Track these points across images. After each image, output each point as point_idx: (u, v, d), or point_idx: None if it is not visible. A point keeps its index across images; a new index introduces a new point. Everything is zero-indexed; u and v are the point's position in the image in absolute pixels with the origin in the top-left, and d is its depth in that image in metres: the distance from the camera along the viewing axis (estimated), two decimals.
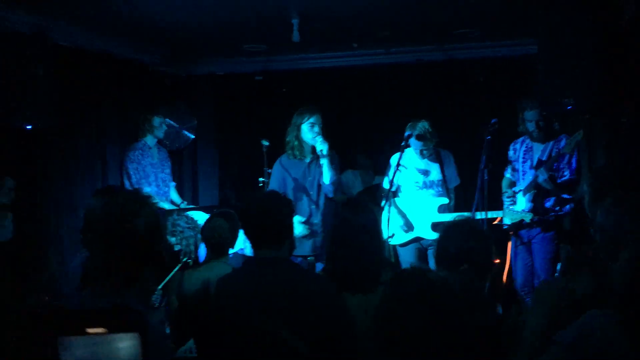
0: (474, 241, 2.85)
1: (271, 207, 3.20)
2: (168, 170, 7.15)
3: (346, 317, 3.02)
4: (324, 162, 5.43)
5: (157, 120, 6.96)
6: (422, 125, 5.72)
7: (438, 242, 2.92)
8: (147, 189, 6.65)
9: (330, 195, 5.51)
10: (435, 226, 5.73)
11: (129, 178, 6.86)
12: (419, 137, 5.69)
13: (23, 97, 5.30)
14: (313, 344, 2.88)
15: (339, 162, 5.69)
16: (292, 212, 3.34)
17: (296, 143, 5.57)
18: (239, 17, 5.80)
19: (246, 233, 3.29)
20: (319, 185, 5.54)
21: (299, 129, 5.52)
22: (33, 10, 5.51)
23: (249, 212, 3.24)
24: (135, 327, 1.76)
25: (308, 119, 5.48)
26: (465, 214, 5.67)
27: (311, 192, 5.56)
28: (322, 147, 5.40)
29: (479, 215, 5.39)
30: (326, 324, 2.93)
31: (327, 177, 5.44)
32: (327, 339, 2.89)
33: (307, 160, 5.58)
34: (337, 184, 5.52)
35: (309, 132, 5.49)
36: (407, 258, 5.85)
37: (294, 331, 2.88)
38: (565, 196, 5.61)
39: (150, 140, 6.98)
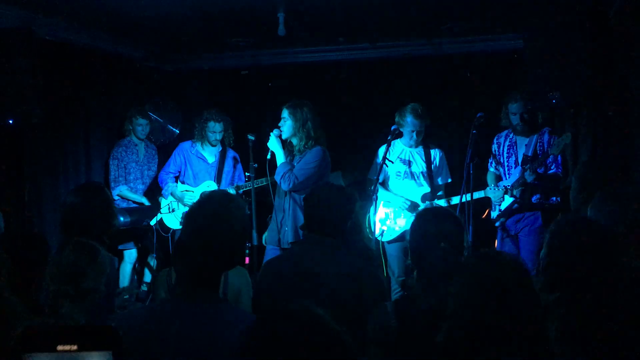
0: (450, 223, 2.93)
1: (334, 197, 3.31)
2: (155, 167, 7.14)
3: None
4: (271, 151, 5.50)
5: (141, 121, 6.94)
6: (412, 107, 5.76)
7: (412, 225, 2.98)
8: (122, 187, 6.71)
9: (278, 183, 5.46)
10: None
11: (109, 174, 6.91)
12: (415, 115, 5.74)
13: (7, 91, 5.26)
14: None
15: (319, 159, 5.65)
16: (351, 210, 3.38)
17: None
18: (225, 11, 5.77)
19: (305, 218, 3.39)
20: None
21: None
22: (18, 4, 5.47)
23: (310, 199, 3.36)
24: (109, 345, 1.74)
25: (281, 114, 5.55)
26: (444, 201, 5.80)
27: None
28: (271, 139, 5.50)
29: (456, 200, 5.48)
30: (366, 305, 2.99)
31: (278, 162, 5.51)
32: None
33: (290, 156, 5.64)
34: (285, 177, 5.42)
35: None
36: (394, 254, 5.88)
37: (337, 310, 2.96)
38: (552, 191, 5.65)
39: (135, 138, 6.98)
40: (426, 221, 2.97)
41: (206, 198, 2.49)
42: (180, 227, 6.45)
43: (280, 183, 5.39)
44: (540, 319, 2.07)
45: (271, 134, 5.51)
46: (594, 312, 2.09)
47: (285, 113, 5.53)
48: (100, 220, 3.66)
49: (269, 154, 5.57)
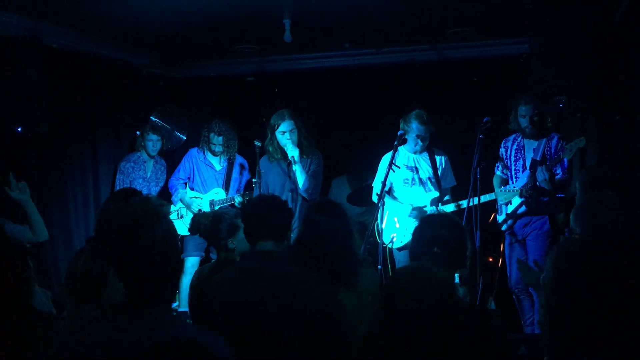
0: (447, 230, 3.00)
1: (277, 204, 3.38)
2: (162, 184, 7.17)
3: (338, 313, 3.09)
4: (296, 168, 5.60)
5: (152, 136, 6.96)
6: (417, 113, 5.77)
7: (415, 229, 3.04)
8: None
9: (306, 195, 5.61)
10: None
11: (113, 188, 6.94)
12: (420, 121, 5.74)
13: (15, 99, 5.28)
14: (305, 336, 2.96)
15: (321, 161, 5.77)
16: (292, 214, 3.48)
17: (270, 149, 5.81)
18: (231, 18, 5.79)
19: (249, 227, 3.37)
20: (297, 187, 5.65)
21: (273, 134, 5.68)
22: (25, 13, 5.50)
23: (255, 206, 3.38)
24: None
25: (278, 126, 5.64)
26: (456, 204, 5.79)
27: (289, 193, 5.65)
28: (292, 153, 5.60)
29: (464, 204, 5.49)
30: (320, 317, 3.00)
31: (300, 181, 5.61)
32: (318, 332, 2.97)
33: (287, 162, 5.70)
34: (311, 187, 5.60)
35: (281, 140, 5.65)
36: (403, 260, 5.88)
37: (289, 322, 2.97)
38: (559, 195, 5.64)
39: (145, 154, 7.00)
40: (424, 227, 3.07)
41: (120, 213, 2.27)
42: (187, 233, 6.49)
43: (306, 194, 5.57)
44: (458, 332, 2.13)
45: (294, 149, 5.60)
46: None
47: (292, 125, 5.66)
48: None
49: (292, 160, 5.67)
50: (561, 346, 2.12)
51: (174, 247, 2.28)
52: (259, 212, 3.33)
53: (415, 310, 2.19)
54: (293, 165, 5.62)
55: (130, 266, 2.18)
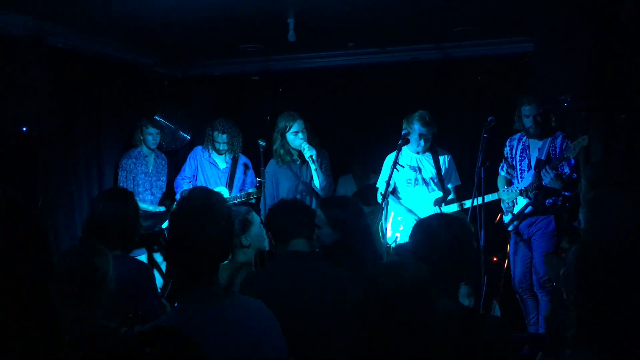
0: (420, 234, 2.80)
1: (301, 203, 3.53)
2: (164, 178, 7.14)
3: None
4: (315, 167, 5.59)
5: (151, 130, 6.94)
6: (420, 115, 5.76)
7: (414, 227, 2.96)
8: None
9: (324, 195, 5.63)
10: None
11: (117, 184, 6.90)
12: (423, 123, 5.73)
13: (19, 99, 5.28)
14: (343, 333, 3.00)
15: (329, 160, 5.79)
16: (315, 213, 3.57)
17: (282, 151, 5.79)
18: (235, 17, 5.79)
19: (280, 228, 3.43)
20: (311, 186, 5.64)
21: (283, 137, 5.66)
22: (29, 13, 5.50)
23: (283, 207, 3.46)
24: None
25: (290, 128, 5.63)
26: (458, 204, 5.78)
27: (303, 193, 5.64)
28: (310, 153, 5.58)
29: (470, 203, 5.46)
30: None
31: (317, 181, 5.62)
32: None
33: (298, 163, 5.69)
34: (328, 186, 5.62)
35: (295, 140, 5.64)
36: None
37: (328, 322, 3.04)
38: (566, 194, 5.63)
39: (145, 148, 6.98)
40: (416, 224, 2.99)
41: (186, 199, 2.52)
42: None
43: (323, 193, 5.63)
44: (433, 330, 2.15)
45: (311, 148, 5.63)
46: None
47: (303, 125, 5.67)
48: (127, 227, 3.68)
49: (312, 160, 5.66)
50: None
51: (232, 233, 2.51)
52: (289, 213, 3.41)
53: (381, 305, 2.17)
54: (312, 165, 5.60)
55: (196, 250, 2.36)
